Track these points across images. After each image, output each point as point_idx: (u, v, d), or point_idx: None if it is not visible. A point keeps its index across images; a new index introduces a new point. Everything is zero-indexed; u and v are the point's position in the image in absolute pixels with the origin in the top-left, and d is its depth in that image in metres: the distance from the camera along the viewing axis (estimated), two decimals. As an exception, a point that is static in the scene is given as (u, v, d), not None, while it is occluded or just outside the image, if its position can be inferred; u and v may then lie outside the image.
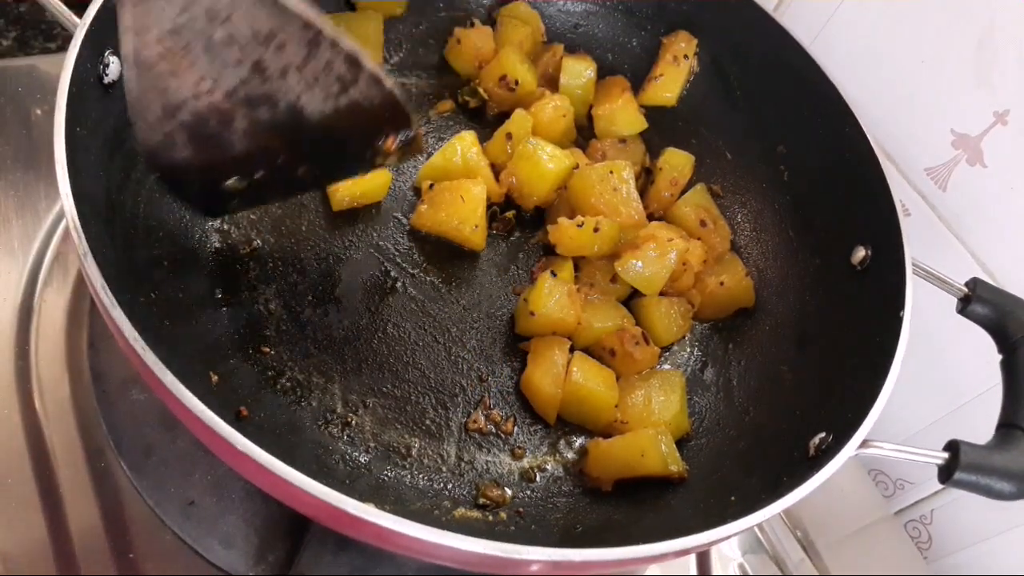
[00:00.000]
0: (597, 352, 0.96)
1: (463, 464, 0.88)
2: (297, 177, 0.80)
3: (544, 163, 1.03)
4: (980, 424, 0.81)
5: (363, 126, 0.76)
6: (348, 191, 1.00)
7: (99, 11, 0.76)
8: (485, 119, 1.16)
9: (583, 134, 1.16)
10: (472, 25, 1.18)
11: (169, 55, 0.66)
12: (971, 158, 1.00)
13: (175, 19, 0.65)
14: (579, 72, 1.15)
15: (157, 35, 0.66)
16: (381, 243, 1.01)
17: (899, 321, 0.81)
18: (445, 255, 1.02)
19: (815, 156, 1.04)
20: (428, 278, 1.00)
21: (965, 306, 0.87)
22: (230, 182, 0.77)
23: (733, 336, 1.04)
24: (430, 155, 1.06)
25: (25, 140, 1.05)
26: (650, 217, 1.07)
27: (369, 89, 0.73)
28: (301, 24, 0.68)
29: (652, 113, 1.17)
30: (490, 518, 0.84)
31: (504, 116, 1.10)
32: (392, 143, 0.79)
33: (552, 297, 0.94)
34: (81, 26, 0.75)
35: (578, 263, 1.01)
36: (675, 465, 0.86)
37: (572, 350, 0.94)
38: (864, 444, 0.74)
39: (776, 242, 1.08)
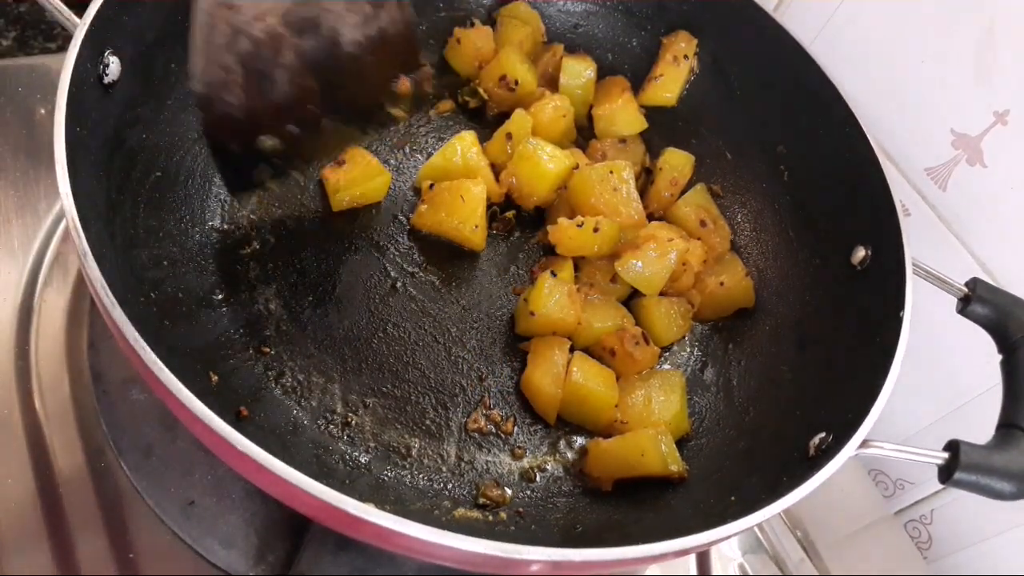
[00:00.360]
0: (597, 352, 0.96)
1: (463, 464, 0.88)
2: (321, 134, 0.86)
3: (544, 163, 1.03)
4: (980, 424, 0.81)
5: (383, 63, 0.84)
6: (348, 191, 1.00)
7: (99, 11, 0.76)
8: (485, 119, 1.16)
9: (583, 134, 1.16)
10: (472, 25, 1.18)
11: None
12: (971, 158, 1.00)
13: None
14: (579, 72, 1.15)
15: None
16: (381, 243, 1.01)
17: (899, 321, 0.81)
18: (445, 255, 1.02)
19: (815, 156, 1.04)
20: (428, 278, 1.00)
21: (965, 306, 0.87)
22: (264, 140, 0.82)
23: (733, 336, 1.04)
24: (430, 155, 1.07)
25: (25, 140, 1.05)
26: (650, 217, 1.07)
27: (394, 12, 0.81)
28: None
29: (652, 113, 1.17)
30: (490, 518, 0.84)
31: (504, 116, 1.10)
32: (406, 84, 0.86)
33: (552, 297, 0.94)
34: (81, 26, 0.75)
35: (578, 263, 1.01)
36: (675, 465, 0.86)
37: (572, 350, 0.94)
38: (864, 444, 0.74)
39: (776, 242, 1.07)
